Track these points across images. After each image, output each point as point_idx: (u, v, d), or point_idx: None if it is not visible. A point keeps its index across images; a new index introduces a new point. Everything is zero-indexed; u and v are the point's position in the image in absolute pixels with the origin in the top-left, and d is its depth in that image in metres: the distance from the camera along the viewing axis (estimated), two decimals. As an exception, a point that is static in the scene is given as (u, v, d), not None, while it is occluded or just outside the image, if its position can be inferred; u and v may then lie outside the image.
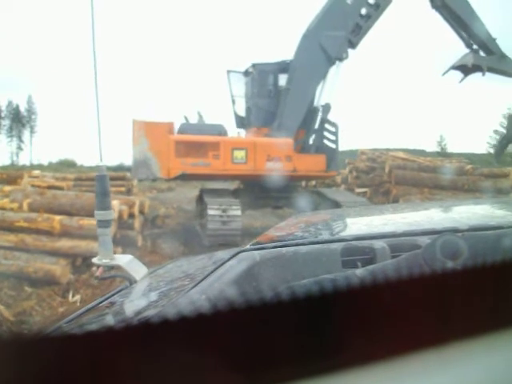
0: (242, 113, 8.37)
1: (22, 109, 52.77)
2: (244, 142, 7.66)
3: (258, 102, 7.82)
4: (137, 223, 5.94)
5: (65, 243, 5.02)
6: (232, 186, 8.32)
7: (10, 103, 52.50)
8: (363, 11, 7.38)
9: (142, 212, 6.46)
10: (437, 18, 7.19)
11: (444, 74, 7.50)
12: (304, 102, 7.55)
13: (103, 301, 0.91)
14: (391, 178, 10.19)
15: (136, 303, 0.82)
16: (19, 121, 52.22)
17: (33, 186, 7.37)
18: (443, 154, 23.98)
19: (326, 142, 8.03)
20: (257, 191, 7.40)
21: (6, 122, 51.92)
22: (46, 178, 10.32)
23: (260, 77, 7.85)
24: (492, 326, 0.26)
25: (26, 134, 52.85)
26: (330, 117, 7.74)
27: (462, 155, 16.67)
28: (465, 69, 7.08)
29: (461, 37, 7.08)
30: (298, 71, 7.36)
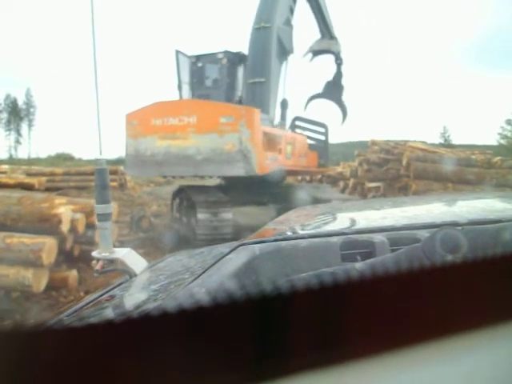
0: None
1: (21, 102, 52.50)
2: (290, 137, 7.24)
3: (228, 92, 7.24)
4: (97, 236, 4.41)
5: (-13, 271, 3.54)
6: (211, 182, 7.57)
7: (7, 96, 52.28)
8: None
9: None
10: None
11: (304, 55, 8.52)
12: (276, 95, 7.39)
13: (103, 294, 0.92)
14: (410, 172, 9.00)
15: (136, 296, 0.82)
16: (17, 114, 51.94)
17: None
18: (447, 145, 23.61)
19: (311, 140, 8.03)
20: (240, 187, 6.65)
21: (4, 116, 51.68)
22: (16, 173, 8.91)
23: (230, 66, 7.24)
24: (492, 320, 0.26)
25: (25, 127, 52.63)
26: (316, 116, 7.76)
27: (465, 147, 15.83)
28: (317, 51, 8.46)
29: (319, 26, 8.28)
30: (268, 64, 7.01)
